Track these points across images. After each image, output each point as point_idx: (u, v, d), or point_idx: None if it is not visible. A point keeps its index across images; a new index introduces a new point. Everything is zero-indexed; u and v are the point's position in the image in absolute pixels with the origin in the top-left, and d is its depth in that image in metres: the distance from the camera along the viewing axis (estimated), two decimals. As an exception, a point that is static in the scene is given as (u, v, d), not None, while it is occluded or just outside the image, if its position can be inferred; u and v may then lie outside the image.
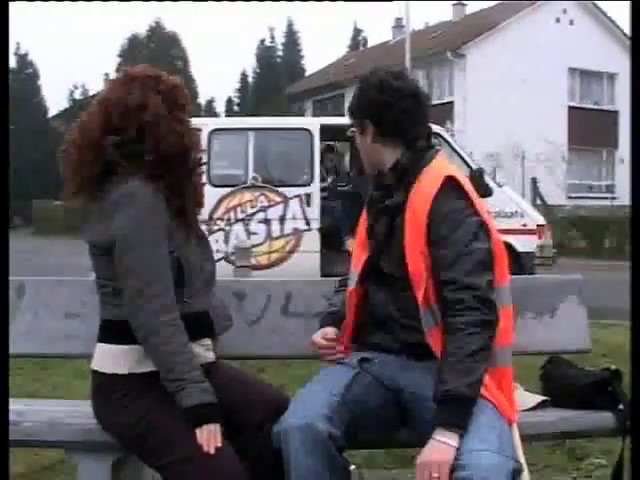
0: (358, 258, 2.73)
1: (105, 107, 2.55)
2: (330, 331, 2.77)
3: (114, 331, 2.55)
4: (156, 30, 44.26)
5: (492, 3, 36.40)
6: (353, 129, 2.74)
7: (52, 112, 45.60)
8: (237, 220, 10.24)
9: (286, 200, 10.27)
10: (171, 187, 2.52)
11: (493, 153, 25.42)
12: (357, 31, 54.45)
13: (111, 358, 2.55)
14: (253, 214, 10.28)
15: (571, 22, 32.18)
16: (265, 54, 48.06)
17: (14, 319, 3.21)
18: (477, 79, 29.52)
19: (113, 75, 2.93)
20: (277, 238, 10.32)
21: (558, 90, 31.31)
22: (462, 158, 10.54)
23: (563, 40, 30.31)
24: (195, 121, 2.76)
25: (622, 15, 31.45)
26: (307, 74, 47.55)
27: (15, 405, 2.93)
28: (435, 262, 2.46)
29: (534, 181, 26.46)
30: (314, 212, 10.30)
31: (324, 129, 10.44)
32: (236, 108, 47.45)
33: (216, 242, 9.61)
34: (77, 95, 44.05)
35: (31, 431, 2.76)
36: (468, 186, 2.55)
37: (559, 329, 3.22)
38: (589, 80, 33.71)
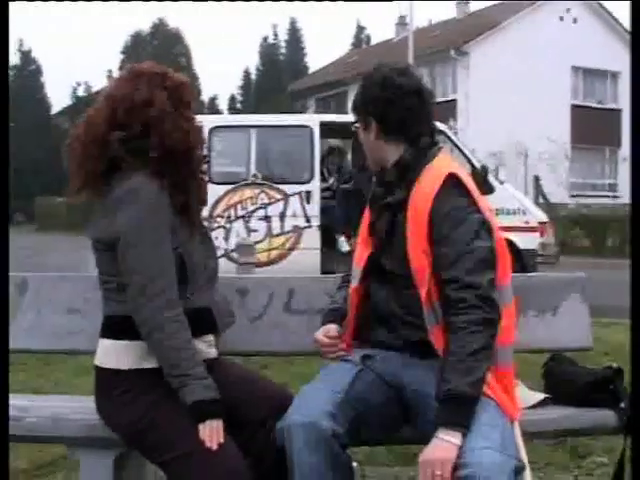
0: (360, 255, 2.73)
1: (111, 103, 2.55)
2: (332, 328, 2.77)
3: (117, 327, 2.56)
4: (159, 27, 44.25)
5: (495, 2, 36.32)
6: (357, 124, 2.74)
7: (55, 109, 45.66)
8: (237, 217, 10.24)
9: (286, 197, 10.26)
10: (175, 184, 2.52)
11: (496, 151, 25.40)
12: (360, 29, 54.39)
13: (114, 354, 2.55)
14: (253, 211, 10.27)
15: (574, 20, 32.13)
16: (268, 52, 48.02)
17: (16, 315, 3.22)
18: (480, 77, 29.49)
19: (116, 72, 2.93)
20: (277, 235, 10.31)
21: (561, 88, 31.28)
22: (465, 156, 10.53)
23: (566, 38, 30.27)
24: (197, 118, 2.76)
25: (626, 14, 31.38)
26: (310, 72, 47.47)
27: (18, 401, 2.95)
28: (437, 260, 2.45)
29: (537, 179, 26.41)
30: (314, 209, 10.29)
31: (324, 126, 10.44)
32: (239, 106, 47.42)
33: (216, 239, 9.60)
34: (80, 92, 44.11)
35: (34, 427, 2.77)
36: (470, 184, 2.55)
37: (561, 327, 3.21)
38: (592, 79, 33.67)
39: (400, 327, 2.61)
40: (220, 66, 78.82)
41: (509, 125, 27.08)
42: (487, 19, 32.41)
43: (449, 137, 10.62)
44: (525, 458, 2.38)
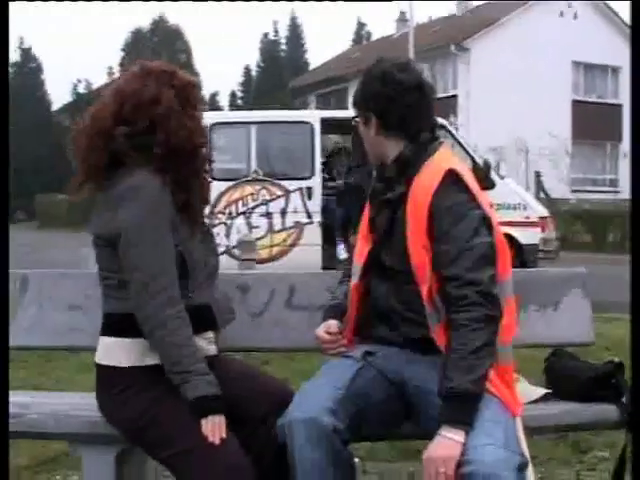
0: (361, 251, 2.73)
1: (119, 98, 2.55)
2: (333, 324, 2.77)
3: (117, 325, 2.56)
4: (159, 24, 44.23)
5: (495, -1, 36.33)
6: (357, 119, 2.73)
7: (55, 107, 45.65)
8: (239, 214, 10.25)
9: (287, 193, 10.27)
10: (177, 181, 2.52)
11: (497, 147, 25.37)
12: (361, 25, 54.42)
13: (114, 351, 2.55)
14: (254, 208, 10.28)
15: (575, 16, 32.09)
16: (269, 48, 48.06)
17: (18, 312, 3.23)
18: (481, 73, 29.47)
19: (117, 69, 2.93)
20: (278, 231, 10.33)
21: (562, 84, 31.25)
22: (466, 151, 10.53)
23: (567, 34, 30.24)
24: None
25: (626, 9, 31.36)
26: (311, 68, 47.47)
27: (20, 397, 2.95)
28: (437, 258, 2.44)
29: (538, 175, 26.41)
30: (315, 205, 10.30)
31: (325, 122, 10.44)
32: (239, 102, 47.42)
33: (217, 236, 9.55)
34: (81, 89, 44.11)
35: (36, 423, 2.77)
36: (470, 179, 2.53)
37: (562, 322, 3.21)
38: (593, 74, 33.66)
39: (400, 324, 2.60)
40: (221, 63, 78.91)
41: (510, 121, 27.07)
42: (488, 15, 32.37)
43: (450, 132, 10.62)
44: (528, 454, 2.38)
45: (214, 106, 43.13)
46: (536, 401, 2.93)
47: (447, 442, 2.23)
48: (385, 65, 2.63)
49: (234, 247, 9.73)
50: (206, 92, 45.69)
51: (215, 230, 9.64)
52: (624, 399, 2.85)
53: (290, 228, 10.31)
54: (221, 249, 9.47)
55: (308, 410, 2.35)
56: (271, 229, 10.30)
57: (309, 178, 10.31)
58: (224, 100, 49.09)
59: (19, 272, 3.29)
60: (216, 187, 9.76)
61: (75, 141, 2.59)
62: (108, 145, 2.52)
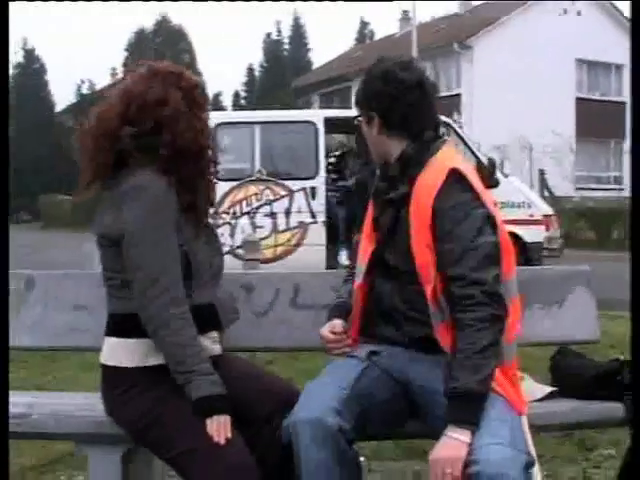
0: (365, 250, 2.72)
1: (126, 98, 2.55)
2: (337, 324, 2.76)
3: (120, 325, 2.56)
4: (163, 24, 44.24)
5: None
6: (359, 118, 2.73)
7: (58, 107, 45.67)
8: (243, 214, 10.26)
9: (291, 193, 10.27)
10: (182, 182, 2.52)
11: (500, 145, 25.34)
12: (364, 24, 54.35)
13: (118, 352, 2.55)
14: (259, 207, 10.29)
15: (578, 13, 31.96)
16: (272, 48, 48.05)
17: (23, 313, 3.23)
18: (484, 71, 29.44)
19: (120, 69, 2.93)
20: (283, 231, 10.33)
21: (566, 81, 31.22)
22: (470, 149, 10.53)
23: (570, 31, 30.13)
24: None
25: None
26: (314, 67, 47.45)
27: (24, 397, 2.96)
28: (441, 257, 2.43)
29: (541, 173, 26.37)
30: (319, 205, 10.30)
31: (329, 122, 10.44)
32: (243, 102, 47.43)
33: (222, 236, 9.56)
34: (84, 90, 44.14)
35: (41, 423, 2.77)
36: (473, 178, 2.52)
37: (567, 320, 3.21)
38: (597, 71, 33.61)
39: (404, 323, 2.59)
40: (224, 63, 78.88)
41: (513, 119, 27.02)
42: (491, 13, 32.32)
43: (455, 130, 10.62)
44: (534, 452, 2.38)
45: (217, 106, 43.08)
46: (542, 399, 2.93)
47: (453, 443, 2.23)
48: (386, 64, 2.63)
49: (238, 247, 9.73)
50: (209, 92, 45.40)
51: (219, 230, 9.56)
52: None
53: (294, 228, 10.31)
54: (225, 249, 9.40)
55: (313, 410, 2.34)
56: (275, 229, 10.31)
57: (313, 178, 10.31)
58: (227, 100, 49.12)
59: (25, 272, 3.30)
60: (220, 187, 9.76)
61: (81, 141, 2.59)
62: (114, 146, 2.53)
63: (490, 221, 2.46)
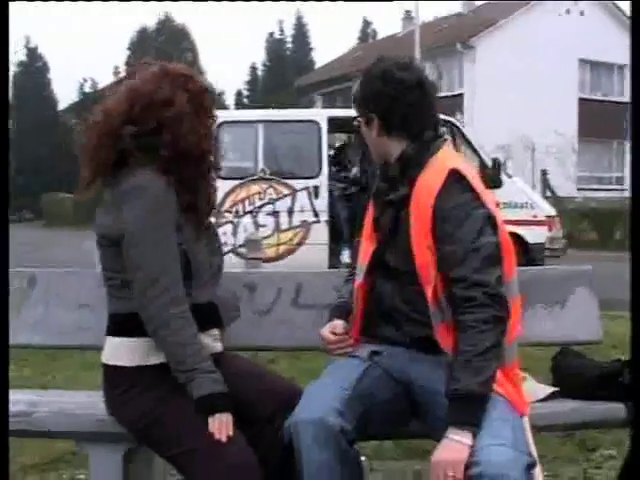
0: (365, 250, 2.71)
1: (131, 97, 2.54)
2: (338, 325, 2.75)
3: (121, 325, 2.57)
4: (165, 23, 44.22)
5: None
6: (359, 119, 2.72)
7: (60, 106, 45.65)
8: (245, 212, 10.25)
9: (294, 192, 10.27)
10: (182, 182, 2.52)
11: (503, 145, 25.33)
12: (366, 23, 54.28)
13: (119, 351, 2.56)
14: (261, 206, 10.28)
15: (581, 13, 31.97)
16: (274, 47, 48.03)
17: (25, 311, 3.23)
18: (487, 71, 29.41)
19: (123, 68, 2.92)
20: (285, 230, 10.32)
21: (568, 82, 31.18)
22: (474, 149, 10.53)
23: (573, 31, 30.11)
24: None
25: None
26: (316, 67, 47.42)
27: (27, 396, 2.96)
28: (442, 259, 2.43)
29: (544, 173, 26.37)
30: (322, 204, 10.29)
31: (332, 121, 10.43)
32: (245, 101, 47.40)
33: (224, 235, 9.62)
34: (87, 88, 44.12)
35: (43, 422, 2.78)
36: (473, 178, 2.51)
37: (570, 320, 3.20)
38: (599, 72, 33.58)
39: (404, 324, 2.59)
40: (226, 62, 78.82)
41: (516, 119, 27.01)
42: (493, 12, 32.31)
43: (460, 130, 10.62)
44: (535, 453, 2.37)
45: (220, 105, 43.11)
46: (544, 399, 2.93)
47: (454, 445, 2.22)
48: (385, 64, 2.61)
49: (241, 246, 9.73)
50: (211, 91, 45.57)
51: (222, 229, 9.65)
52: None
53: (297, 227, 10.31)
54: (228, 248, 9.50)
55: (315, 411, 2.34)
56: (278, 228, 10.30)
57: (316, 177, 10.31)
58: (230, 99, 49.06)
59: (27, 271, 3.31)
60: (223, 186, 9.77)
61: (86, 137, 2.59)
62: (116, 144, 2.52)
63: (491, 221, 2.45)
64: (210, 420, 2.39)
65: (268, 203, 10.27)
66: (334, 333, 2.73)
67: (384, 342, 2.64)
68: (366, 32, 53.75)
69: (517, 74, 28.28)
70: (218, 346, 2.64)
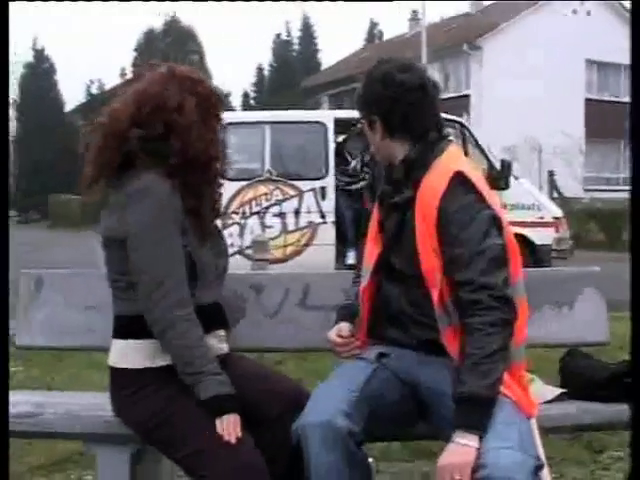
0: (371, 253, 2.70)
1: (139, 99, 2.54)
2: (345, 327, 2.75)
3: (127, 327, 2.57)
4: (172, 24, 44.25)
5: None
6: (362, 121, 2.71)
7: (67, 107, 45.72)
8: (252, 214, 10.25)
9: (301, 193, 10.27)
10: (186, 185, 2.51)
11: (510, 146, 25.30)
12: (373, 24, 54.24)
13: (126, 354, 2.56)
14: (268, 207, 10.28)
15: (588, 13, 31.97)
16: (281, 48, 48.04)
17: (32, 312, 3.23)
18: (494, 72, 29.40)
19: (129, 70, 2.92)
20: (292, 231, 10.32)
21: (575, 82, 31.15)
22: (482, 150, 10.53)
23: (580, 32, 30.10)
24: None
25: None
26: (323, 68, 47.43)
27: (34, 397, 2.96)
28: (448, 262, 2.42)
29: (551, 174, 26.32)
30: (329, 205, 10.29)
31: (338, 122, 10.43)
32: (252, 102, 47.43)
33: (231, 236, 9.64)
34: (94, 90, 44.20)
35: (50, 423, 2.78)
36: (478, 179, 2.50)
37: (577, 322, 3.20)
38: (606, 72, 33.51)
39: (411, 326, 2.58)
40: (233, 63, 78.90)
41: (523, 119, 26.98)
42: (500, 13, 32.29)
43: (469, 130, 10.62)
44: (543, 455, 2.36)
45: (227, 106, 43.05)
46: (551, 401, 2.93)
47: (461, 448, 2.21)
48: (385, 67, 2.60)
49: (247, 247, 9.73)
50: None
51: (229, 230, 9.67)
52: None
53: (303, 228, 10.31)
54: (235, 249, 9.51)
55: (323, 413, 2.33)
56: (285, 229, 10.30)
57: (323, 178, 10.31)
58: (237, 100, 49.07)
59: (34, 272, 3.31)
60: (230, 187, 9.77)
61: (92, 136, 2.58)
62: (121, 146, 2.52)
63: (496, 223, 2.44)
64: (218, 422, 2.39)
65: (275, 204, 10.27)
66: (340, 336, 2.73)
67: (391, 344, 2.63)
68: (373, 33, 53.71)
69: (523, 75, 28.25)
70: (224, 347, 2.64)
